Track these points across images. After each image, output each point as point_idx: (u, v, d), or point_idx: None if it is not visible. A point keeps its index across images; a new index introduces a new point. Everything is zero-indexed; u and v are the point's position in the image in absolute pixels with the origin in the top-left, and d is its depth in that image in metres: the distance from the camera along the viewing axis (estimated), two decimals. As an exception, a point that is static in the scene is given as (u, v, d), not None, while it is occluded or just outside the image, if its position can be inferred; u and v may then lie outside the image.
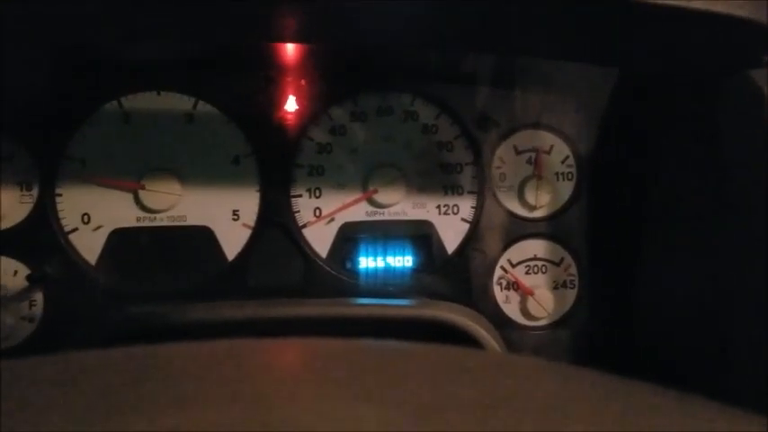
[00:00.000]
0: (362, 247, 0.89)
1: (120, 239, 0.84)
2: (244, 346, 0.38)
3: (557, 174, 0.91)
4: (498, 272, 0.90)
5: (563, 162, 0.91)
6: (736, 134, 0.63)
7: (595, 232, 0.91)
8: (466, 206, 0.90)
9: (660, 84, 0.79)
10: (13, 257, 0.82)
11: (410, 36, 0.67)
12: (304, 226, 0.88)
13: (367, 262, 0.89)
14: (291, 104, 0.87)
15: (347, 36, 0.68)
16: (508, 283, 0.91)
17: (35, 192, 0.83)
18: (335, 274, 0.88)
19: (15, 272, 0.82)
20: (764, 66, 0.59)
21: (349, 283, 0.88)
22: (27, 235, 0.82)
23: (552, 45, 0.67)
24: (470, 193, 0.90)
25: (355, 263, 0.89)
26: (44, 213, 0.83)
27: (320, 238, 0.88)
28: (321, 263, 0.88)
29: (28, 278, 0.81)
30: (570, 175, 0.91)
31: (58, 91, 0.84)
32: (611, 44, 0.64)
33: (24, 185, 0.83)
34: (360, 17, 0.61)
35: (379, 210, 0.89)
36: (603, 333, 0.90)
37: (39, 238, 0.82)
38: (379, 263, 0.89)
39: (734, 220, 0.65)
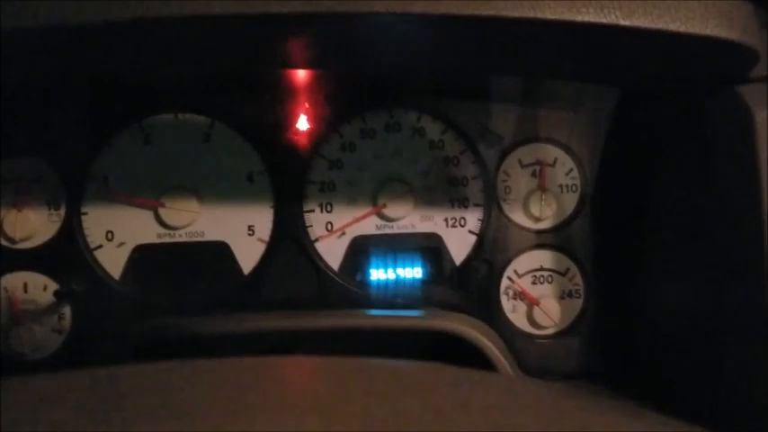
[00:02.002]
0: (373, 260, 0.92)
1: (142, 255, 0.89)
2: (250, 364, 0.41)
3: (561, 186, 0.93)
4: (505, 282, 0.93)
5: (567, 174, 0.93)
6: (726, 150, 0.65)
7: (600, 243, 0.93)
8: (473, 219, 0.93)
9: (656, 100, 0.81)
10: (42, 273, 0.87)
11: (412, 64, 0.70)
12: (316, 240, 0.92)
13: (378, 274, 0.92)
14: (303, 123, 0.91)
15: (355, 64, 0.71)
16: (515, 293, 0.93)
17: (62, 211, 0.87)
18: (347, 286, 0.91)
19: (45, 287, 0.87)
20: (751, 82, 0.62)
21: (360, 295, 0.91)
22: (55, 252, 0.87)
23: (551, 66, 0.70)
24: (477, 205, 0.93)
25: (366, 275, 0.92)
26: (71, 231, 0.87)
27: (332, 252, 0.92)
28: (333, 275, 0.91)
29: (56, 293, 0.86)
30: (574, 187, 0.93)
31: (83, 115, 0.88)
32: (603, 65, 0.66)
33: (52, 205, 0.87)
34: (367, 48, 0.64)
35: (388, 223, 0.92)
36: (609, 341, 0.92)
37: (66, 255, 0.87)
38: (390, 275, 0.92)
39: (726, 234, 0.67)
